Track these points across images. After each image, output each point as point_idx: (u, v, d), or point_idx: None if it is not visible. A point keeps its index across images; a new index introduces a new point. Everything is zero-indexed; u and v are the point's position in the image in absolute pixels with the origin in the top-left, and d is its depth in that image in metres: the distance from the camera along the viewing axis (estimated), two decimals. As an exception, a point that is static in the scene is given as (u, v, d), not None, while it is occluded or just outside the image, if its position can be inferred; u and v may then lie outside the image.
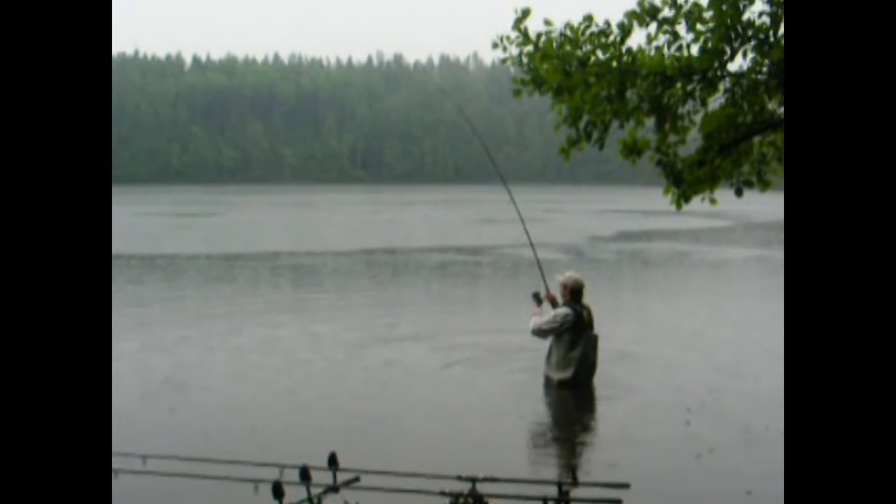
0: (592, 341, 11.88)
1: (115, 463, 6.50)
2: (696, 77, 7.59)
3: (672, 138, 8.01)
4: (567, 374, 11.75)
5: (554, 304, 12.19)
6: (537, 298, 12.34)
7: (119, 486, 6.53)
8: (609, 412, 11.16)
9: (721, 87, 7.74)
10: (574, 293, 11.94)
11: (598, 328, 11.98)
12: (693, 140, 8.09)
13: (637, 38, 7.62)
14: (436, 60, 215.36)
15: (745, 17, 7.19)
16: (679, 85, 7.69)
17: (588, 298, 12.13)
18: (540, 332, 12.00)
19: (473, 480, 5.46)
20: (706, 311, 19.69)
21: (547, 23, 7.80)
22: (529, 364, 12.79)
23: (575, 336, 11.75)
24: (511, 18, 7.89)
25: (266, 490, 5.58)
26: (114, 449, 7.22)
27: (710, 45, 7.35)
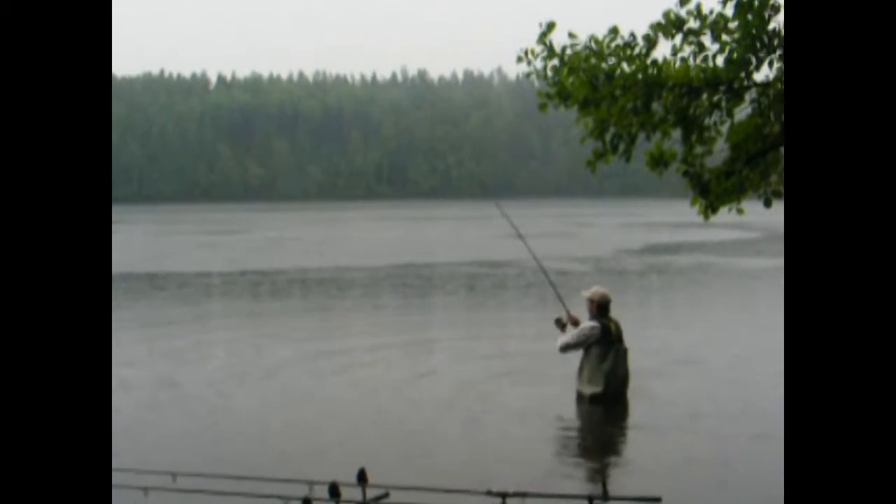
0: (622, 354, 11.82)
1: (146, 480, 6.53)
2: (722, 88, 7.56)
3: (699, 149, 7.97)
4: (598, 388, 11.68)
5: (577, 325, 12.13)
6: (560, 324, 12.28)
7: (149, 503, 6.56)
8: (639, 425, 11.09)
9: (747, 97, 7.70)
10: (601, 307, 11.89)
11: (629, 342, 11.93)
12: (720, 151, 8.05)
13: (662, 50, 7.60)
14: (460, 76, 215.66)
15: (771, 26, 7.16)
16: (705, 96, 7.66)
17: (619, 312, 12.10)
18: (567, 347, 11.98)
19: (504, 495, 5.43)
20: (736, 323, 19.58)
21: (572, 36, 7.79)
22: (560, 378, 12.73)
23: (604, 349, 11.70)
24: (535, 33, 7.88)
25: (296, 507, 5.58)
26: (144, 466, 7.27)
27: (735, 55, 7.32)
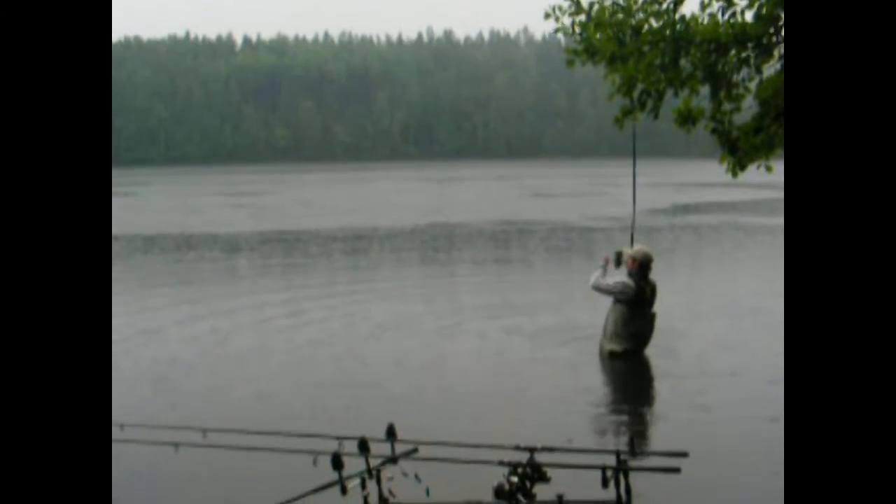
0: (650, 319, 11.86)
1: (176, 436, 6.59)
2: (750, 44, 7.50)
3: (727, 106, 7.93)
4: (619, 346, 11.77)
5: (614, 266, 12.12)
6: (617, 258, 12.19)
7: (180, 458, 6.63)
8: (666, 382, 11.12)
9: (776, 53, 7.64)
10: (642, 266, 11.86)
11: (657, 299, 11.94)
12: (748, 107, 8.00)
13: (691, 6, 7.56)
14: (486, 35, 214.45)
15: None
16: (733, 52, 7.61)
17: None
18: (598, 290, 12.03)
19: (531, 450, 5.44)
20: (762, 283, 19.48)
21: (599, -9, 7.75)
22: (585, 336, 12.77)
23: (632, 311, 11.73)
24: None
25: (325, 461, 5.61)
26: (175, 423, 7.34)
27: (764, 10, 7.26)
